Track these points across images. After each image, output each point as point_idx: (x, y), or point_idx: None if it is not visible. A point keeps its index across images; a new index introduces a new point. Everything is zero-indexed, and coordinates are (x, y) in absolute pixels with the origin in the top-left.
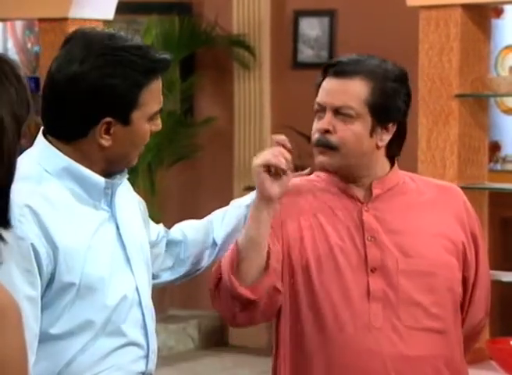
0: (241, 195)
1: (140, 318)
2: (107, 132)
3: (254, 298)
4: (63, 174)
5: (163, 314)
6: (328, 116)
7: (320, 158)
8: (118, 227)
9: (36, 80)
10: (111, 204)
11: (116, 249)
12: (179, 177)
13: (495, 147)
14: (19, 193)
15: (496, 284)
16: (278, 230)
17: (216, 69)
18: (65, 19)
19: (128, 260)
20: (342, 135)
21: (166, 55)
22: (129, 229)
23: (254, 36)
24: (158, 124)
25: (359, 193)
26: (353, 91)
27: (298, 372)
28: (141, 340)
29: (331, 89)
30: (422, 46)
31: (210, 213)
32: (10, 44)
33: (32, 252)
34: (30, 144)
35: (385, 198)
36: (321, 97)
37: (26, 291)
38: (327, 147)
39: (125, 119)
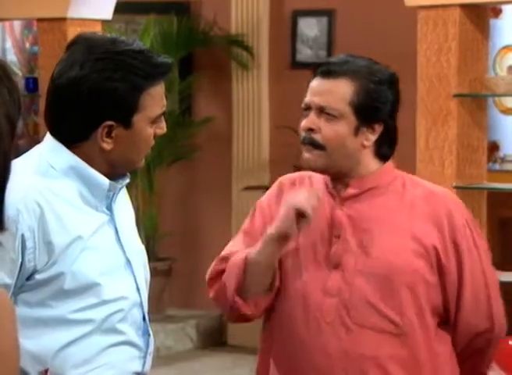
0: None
1: (139, 319)
2: (108, 135)
3: (256, 316)
4: (70, 172)
5: (162, 314)
6: (313, 115)
7: (306, 156)
8: (117, 231)
9: (34, 80)
10: (110, 207)
11: (116, 251)
12: (177, 177)
13: (493, 147)
14: (26, 186)
15: None
16: (268, 217)
17: (214, 69)
18: (63, 19)
19: (129, 262)
20: (325, 134)
21: (168, 60)
22: (127, 233)
23: (252, 36)
24: (162, 127)
25: (338, 190)
26: (338, 92)
27: (264, 365)
28: (139, 340)
29: (317, 89)
30: (420, 46)
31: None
32: (8, 44)
33: (20, 243)
34: (29, 144)
35: (362, 198)
36: (308, 96)
37: (4, 280)
38: (313, 145)
39: (126, 123)
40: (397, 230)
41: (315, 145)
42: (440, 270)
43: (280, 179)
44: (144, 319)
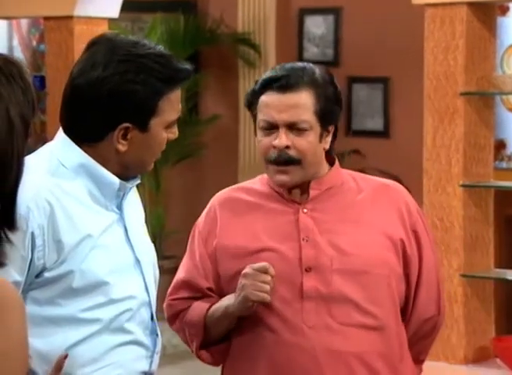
0: None
1: (147, 318)
2: (124, 137)
3: (221, 361)
4: (80, 170)
5: None
6: (283, 131)
7: (280, 177)
8: (126, 230)
9: (41, 79)
10: (120, 207)
11: (125, 250)
12: (184, 175)
13: (500, 145)
14: (36, 184)
15: (501, 282)
16: (209, 243)
17: (221, 67)
18: (70, 18)
19: (137, 261)
20: (300, 148)
21: (188, 66)
22: (137, 232)
23: (259, 34)
24: (174, 132)
25: (297, 194)
26: (303, 104)
27: (241, 372)
28: (146, 340)
29: (279, 105)
30: (427, 44)
31: None
32: (15, 43)
33: (30, 241)
34: (35, 142)
35: (323, 198)
36: (270, 115)
37: (15, 277)
38: (288, 162)
39: (143, 126)
40: (363, 225)
41: (291, 162)
42: (405, 261)
43: (213, 202)
44: (151, 318)
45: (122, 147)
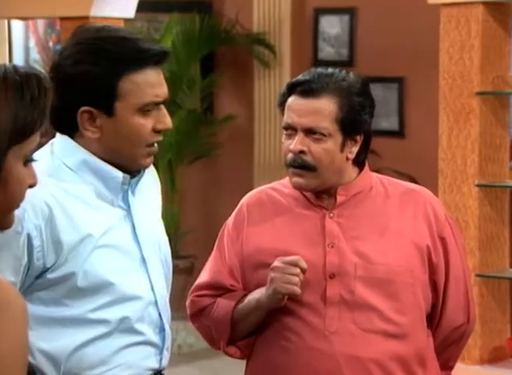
0: None
1: (156, 317)
2: (92, 123)
3: (246, 355)
4: (82, 168)
5: (183, 312)
6: (301, 136)
7: (296, 179)
8: (134, 227)
9: None
10: (127, 201)
11: (132, 249)
12: (199, 175)
13: None
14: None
15: None
16: (237, 242)
17: (236, 67)
18: (86, 18)
19: (144, 260)
20: (316, 155)
21: (157, 47)
22: (146, 228)
23: (274, 34)
24: (163, 122)
25: (324, 200)
26: (323, 111)
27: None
28: (156, 339)
29: (300, 109)
30: (443, 44)
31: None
32: (32, 43)
33: (26, 242)
34: (46, 141)
35: (350, 205)
36: (291, 117)
37: (8, 277)
38: (303, 167)
39: (107, 110)
40: (389, 232)
41: (306, 167)
42: (431, 268)
43: (244, 201)
44: (160, 317)
45: (92, 134)
